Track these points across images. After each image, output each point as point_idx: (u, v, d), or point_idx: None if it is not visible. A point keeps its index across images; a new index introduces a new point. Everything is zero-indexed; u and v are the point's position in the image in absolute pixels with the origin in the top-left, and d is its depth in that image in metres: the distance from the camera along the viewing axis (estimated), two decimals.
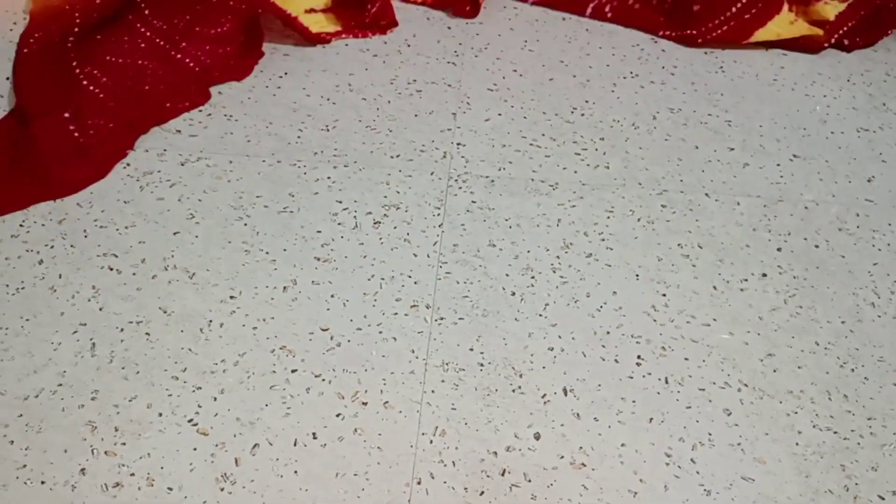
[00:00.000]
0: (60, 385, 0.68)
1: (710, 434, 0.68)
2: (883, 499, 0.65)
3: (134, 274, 0.77)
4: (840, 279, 0.81)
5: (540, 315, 0.76)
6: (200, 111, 0.95)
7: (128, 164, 0.88)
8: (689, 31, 1.07)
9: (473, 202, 0.86)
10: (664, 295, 0.78)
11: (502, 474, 0.64)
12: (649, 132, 0.96)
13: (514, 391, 0.70)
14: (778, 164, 0.93)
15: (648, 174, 0.90)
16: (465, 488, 0.63)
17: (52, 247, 0.79)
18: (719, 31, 1.07)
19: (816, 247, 0.84)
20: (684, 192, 0.89)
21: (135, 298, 0.75)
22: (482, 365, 0.72)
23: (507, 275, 0.79)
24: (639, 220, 0.85)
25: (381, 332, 0.74)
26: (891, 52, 1.10)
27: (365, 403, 0.68)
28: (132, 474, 0.63)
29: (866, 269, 0.82)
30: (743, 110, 1.00)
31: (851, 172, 0.93)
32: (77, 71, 0.92)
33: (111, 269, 0.77)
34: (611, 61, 1.06)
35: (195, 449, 0.65)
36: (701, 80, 1.04)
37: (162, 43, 0.98)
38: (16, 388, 0.68)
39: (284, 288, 0.77)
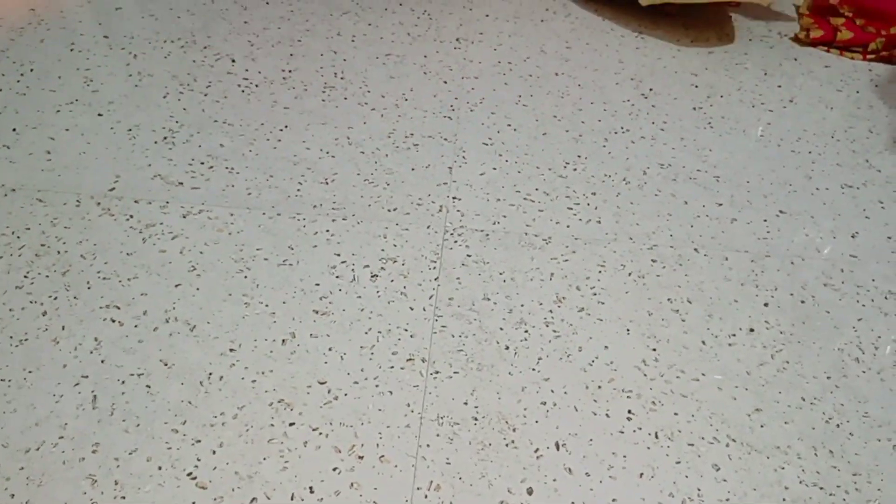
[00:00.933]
0: (62, 437, 0.69)
1: (699, 489, 0.69)
2: None
3: (136, 326, 0.79)
4: (826, 334, 0.83)
5: (533, 369, 0.78)
6: (202, 164, 0.97)
7: (131, 216, 0.90)
8: None
9: (469, 256, 0.88)
10: (654, 349, 0.80)
11: None
12: (640, 187, 0.99)
13: (507, 445, 0.71)
14: (765, 220, 0.95)
15: (639, 229, 0.93)
16: None
17: (55, 298, 0.81)
18: None
19: (802, 302, 0.86)
20: (674, 246, 0.91)
21: (136, 351, 0.77)
22: (476, 419, 0.73)
23: (501, 329, 0.81)
24: (630, 274, 0.88)
25: (377, 386, 0.75)
26: (873, 108, 1.13)
27: (361, 457, 0.70)
28: None
29: (851, 325, 0.84)
30: (731, 166, 1.03)
31: (836, 228, 0.95)
32: None
33: (113, 321, 0.79)
34: (602, 116, 1.09)
35: (194, 503, 0.66)
36: (690, 135, 1.07)
37: None
38: (18, 441, 0.69)
39: (283, 341, 0.78)
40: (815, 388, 0.78)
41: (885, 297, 0.87)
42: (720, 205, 0.97)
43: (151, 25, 1.19)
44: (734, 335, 0.82)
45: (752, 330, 0.83)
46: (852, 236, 0.94)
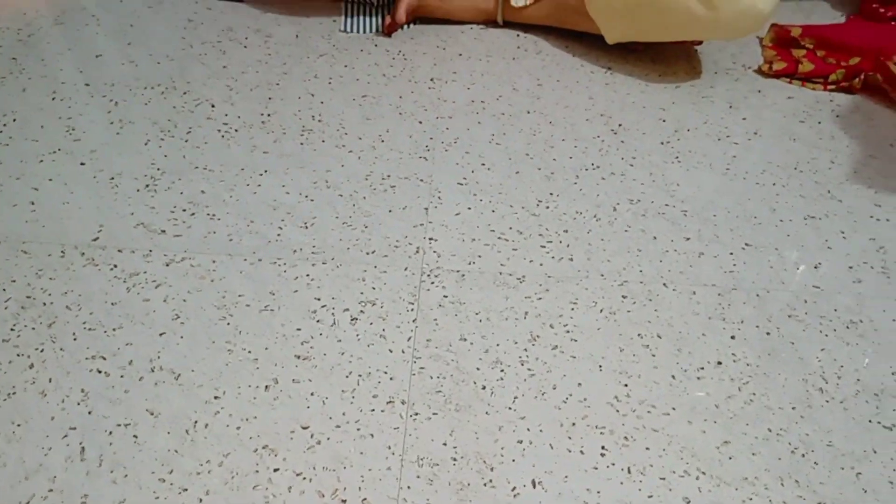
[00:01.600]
0: (51, 491, 0.71)
1: None
2: None
3: (122, 376, 0.81)
4: (791, 366, 0.86)
5: (509, 408, 0.80)
6: (184, 210, 1.00)
7: (115, 266, 0.92)
8: None
9: (445, 297, 0.91)
10: (626, 385, 0.83)
11: None
12: (610, 223, 1.02)
13: (485, 485, 0.74)
14: (731, 253, 0.99)
15: (610, 265, 0.96)
16: None
17: (41, 350, 0.83)
18: None
19: (768, 334, 0.89)
20: (644, 282, 0.94)
21: (122, 401, 0.78)
22: (455, 459, 0.76)
23: (477, 368, 0.84)
24: (601, 311, 0.91)
25: (359, 430, 0.77)
26: (835, 139, 1.17)
27: (344, 501, 0.72)
28: None
29: (815, 355, 0.87)
30: (698, 200, 1.06)
31: (800, 259, 0.99)
32: None
33: (100, 372, 0.81)
34: (573, 153, 1.12)
35: None
36: (658, 170, 1.10)
37: None
38: (8, 496, 0.71)
39: (266, 387, 0.81)
40: (781, 420, 0.81)
41: (847, 327, 0.91)
42: (688, 239, 1.00)
43: (132, 72, 1.22)
44: (702, 369, 0.85)
45: (719, 363, 0.86)
46: (815, 267, 0.98)
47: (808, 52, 1.32)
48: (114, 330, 0.85)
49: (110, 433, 0.76)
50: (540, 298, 0.92)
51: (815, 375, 0.85)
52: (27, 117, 1.12)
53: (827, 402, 0.83)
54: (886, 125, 1.21)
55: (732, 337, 0.89)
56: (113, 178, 1.04)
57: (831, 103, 1.25)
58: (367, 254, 0.95)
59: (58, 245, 0.94)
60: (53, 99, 1.16)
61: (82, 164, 1.06)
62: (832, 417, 0.82)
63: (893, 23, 1.36)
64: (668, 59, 1.30)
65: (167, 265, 0.93)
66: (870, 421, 0.81)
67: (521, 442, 0.77)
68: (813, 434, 0.80)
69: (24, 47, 1.25)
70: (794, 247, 1.00)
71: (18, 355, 0.82)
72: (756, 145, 1.16)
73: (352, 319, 0.88)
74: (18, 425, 0.76)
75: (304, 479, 0.73)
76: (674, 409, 0.81)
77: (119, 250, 0.94)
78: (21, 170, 1.04)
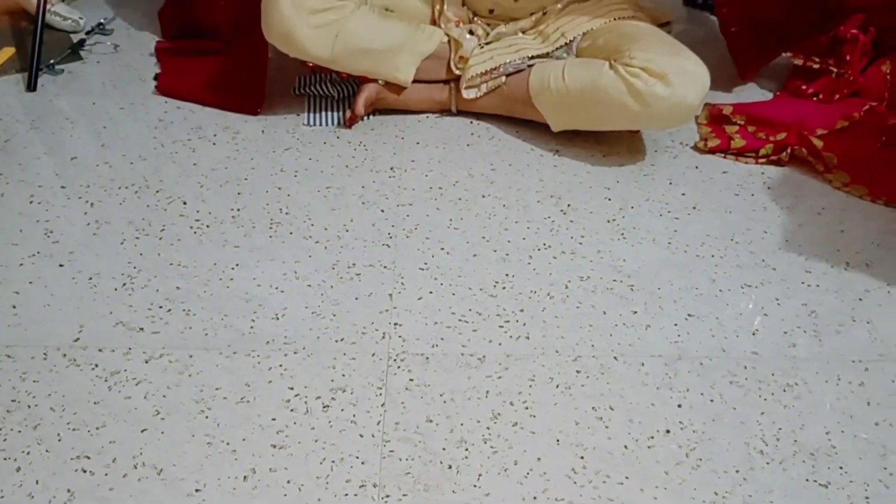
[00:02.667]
0: None
1: None
2: None
3: (106, 474, 0.85)
4: (734, 430, 0.93)
5: (475, 486, 0.86)
6: (161, 307, 1.05)
7: (96, 365, 0.97)
8: None
9: (411, 380, 0.97)
10: (582, 457, 0.89)
11: None
12: (563, 300, 1.09)
13: None
14: (675, 324, 1.07)
15: (564, 342, 1.03)
16: None
17: (28, 453, 0.87)
18: None
19: (712, 401, 0.97)
20: (596, 356, 1.01)
21: (108, 499, 0.83)
22: None
23: (444, 449, 0.89)
24: (557, 386, 0.97)
25: None
26: (767, 210, 1.27)
27: None
28: None
29: (755, 419, 0.95)
30: (644, 274, 1.14)
31: (739, 327, 1.07)
32: None
33: (84, 471, 0.85)
34: (526, 234, 1.20)
35: None
36: (606, 247, 1.18)
37: None
38: None
39: (245, 477, 0.86)
40: (727, 483, 0.88)
41: (784, 391, 0.98)
42: (635, 312, 1.08)
43: (107, 173, 1.28)
44: (653, 437, 0.92)
45: (668, 431, 0.93)
46: (753, 334, 1.06)
47: (739, 127, 1.43)
48: (97, 429, 0.90)
49: None
50: (500, 377, 0.98)
51: (756, 438, 0.92)
52: (7, 222, 1.18)
53: (767, 463, 0.90)
54: (813, 195, 1.31)
55: (679, 405, 0.96)
56: (91, 279, 1.09)
57: (763, 175, 1.35)
58: (337, 342, 1.01)
59: (41, 347, 0.99)
60: (31, 203, 1.22)
61: (61, 265, 1.11)
62: (772, 478, 0.88)
63: (815, 99, 1.48)
64: (612, 140, 1.40)
65: (146, 362, 0.98)
66: (807, 479, 0.88)
67: None
68: (755, 495, 0.87)
69: (2, 153, 1.31)
70: (733, 315, 1.08)
71: (5, 459, 0.86)
72: (695, 219, 1.25)
73: (324, 407, 0.93)
74: None
75: None
76: (627, 477, 0.87)
77: (100, 349, 0.99)
78: (2, 274, 1.09)
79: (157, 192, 1.25)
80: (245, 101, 1.43)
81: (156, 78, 1.51)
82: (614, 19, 1.40)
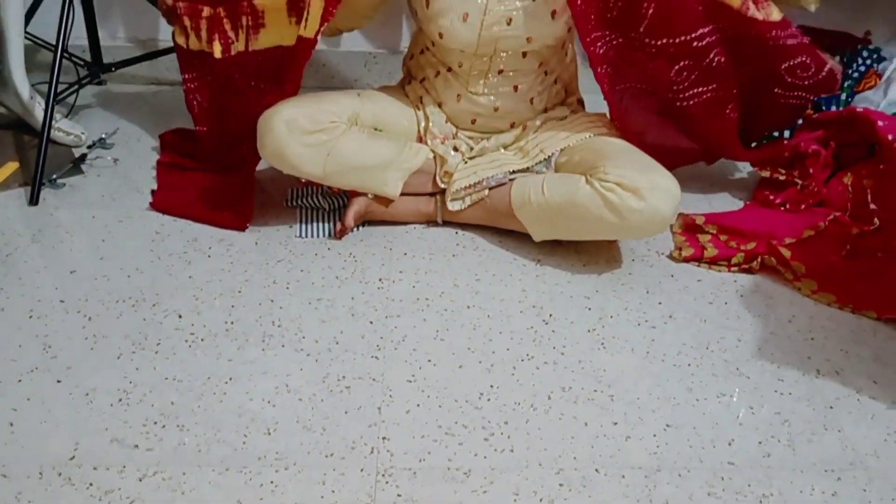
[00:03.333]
0: None
1: None
2: None
3: None
4: None
5: None
6: (155, 423, 1.08)
7: (90, 484, 0.99)
8: None
9: (399, 495, 1.00)
10: None
11: None
12: (546, 412, 1.13)
13: None
14: (654, 435, 1.10)
15: (547, 454, 1.06)
16: None
17: None
18: None
19: None
20: (577, 468, 1.05)
21: None
22: None
23: None
24: (541, 500, 1.00)
25: None
26: (740, 318, 1.33)
27: None
28: None
29: None
30: (623, 384, 1.19)
31: (715, 437, 1.11)
32: None
33: None
34: (510, 345, 1.25)
35: None
36: (586, 357, 1.23)
37: None
38: None
39: None
40: None
41: (760, 501, 1.01)
42: (615, 423, 1.12)
43: (104, 286, 1.33)
44: None
45: None
46: (729, 444, 1.10)
47: (712, 236, 1.50)
48: None
49: None
50: (485, 491, 1.01)
51: None
52: (6, 337, 1.21)
53: None
54: (783, 303, 1.37)
55: None
56: (88, 395, 1.12)
57: (735, 284, 1.41)
58: (326, 457, 1.04)
59: (36, 465, 1.01)
60: (31, 317, 1.26)
61: (59, 381, 1.14)
62: None
63: (783, 209, 1.56)
64: (591, 249, 1.46)
65: (140, 480, 1.00)
66: None
67: None
68: None
69: (2, 267, 1.36)
70: (709, 424, 1.12)
71: None
72: (671, 328, 1.30)
73: None
74: None
75: None
76: None
77: (94, 468, 1.01)
78: (1, 391, 1.12)
79: (154, 305, 1.29)
80: (235, 218, 1.49)
81: (152, 193, 1.57)
82: (589, 136, 1.49)
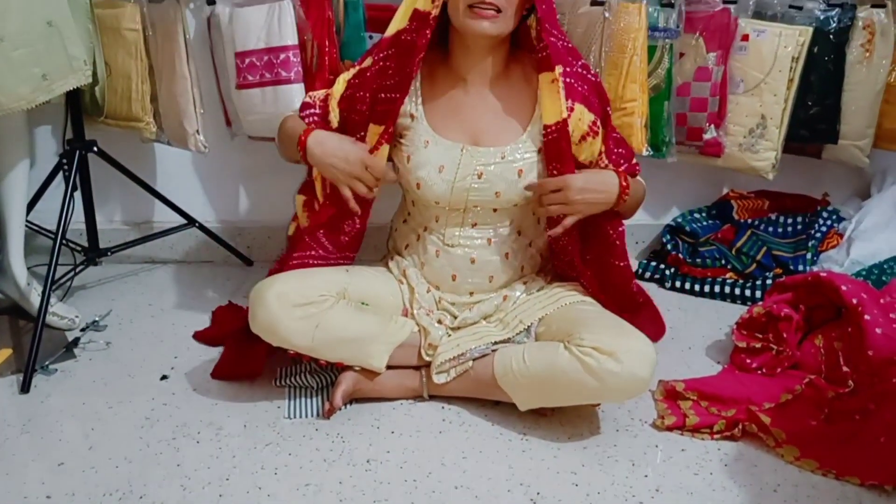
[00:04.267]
0: None
1: None
2: None
3: None
4: None
5: None
6: None
7: None
8: None
9: None
10: None
11: None
12: None
13: None
14: None
15: None
16: None
17: None
18: None
19: None
20: None
21: None
22: None
23: None
24: None
25: None
26: (725, 489, 1.33)
27: None
28: None
29: None
30: None
31: None
32: None
33: None
34: None
35: None
36: None
37: None
38: None
39: None
40: None
41: None
42: None
43: (93, 479, 1.33)
44: None
45: None
46: None
47: (693, 403, 1.53)
48: None
49: None
50: None
51: None
52: None
53: None
54: (767, 471, 1.38)
55: None
56: None
57: (719, 452, 1.43)
58: None
59: None
60: None
61: None
62: None
63: (759, 373, 1.60)
64: (575, 420, 1.49)
65: None
66: None
67: None
68: None
69: None
70: None
71: None
72: (658, 502, 1.30)
73: None
74: None
75: None
76: None
77: None
78: None
79: (141, 497, 1.29)
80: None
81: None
82: (565, 304, 1.55)
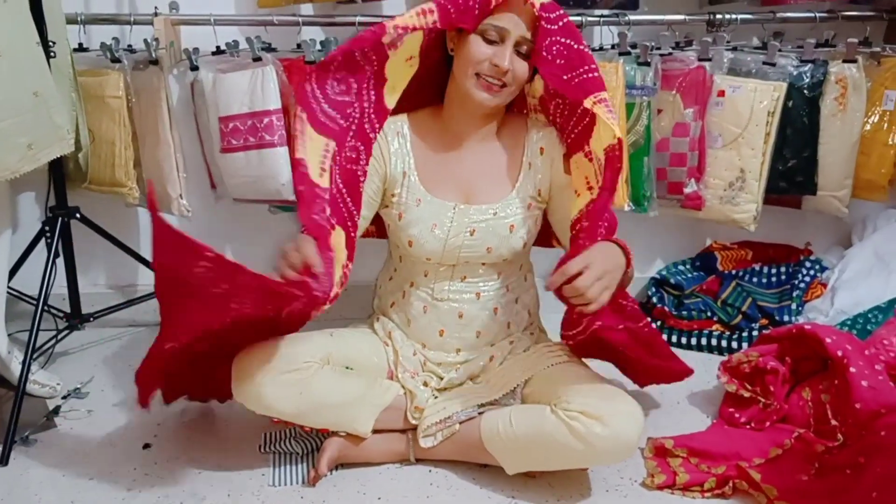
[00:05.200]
0: None
1: None
2: None
3: None
4: None
5: None
6: None
7: None
8: None
9: None
10: None
11: None
12: None
13: None
14: None
15: None
16: None
17: None
18: None
19: None
20: None
21: None
22: None
23: None
24: None
25: None
26: None
27: None
28: None
29: None
30: None
31: None
32: None
33: None
34: None
35: None
36: None
37: None
38: None
39: None
40: None
41: None
42: None
43: None
44: None
45: None
46: None
47: (683, 460, 1.51)
48: None
49: None
50: None
51: None
52: None
53: None
54: None
55: None
56: None
57: None
58: None
59: None
60: None
61: None
62: None
63: (748, 427, 1.59)
64: (564, 481, 1.47)
65: None
66: None
67: None
68: None
69: None
70: None
71: None
72: None
73: None
74: None
75: None
76: None
77: None
78: None
79: None
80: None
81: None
82: (551, 365, 1.54)
